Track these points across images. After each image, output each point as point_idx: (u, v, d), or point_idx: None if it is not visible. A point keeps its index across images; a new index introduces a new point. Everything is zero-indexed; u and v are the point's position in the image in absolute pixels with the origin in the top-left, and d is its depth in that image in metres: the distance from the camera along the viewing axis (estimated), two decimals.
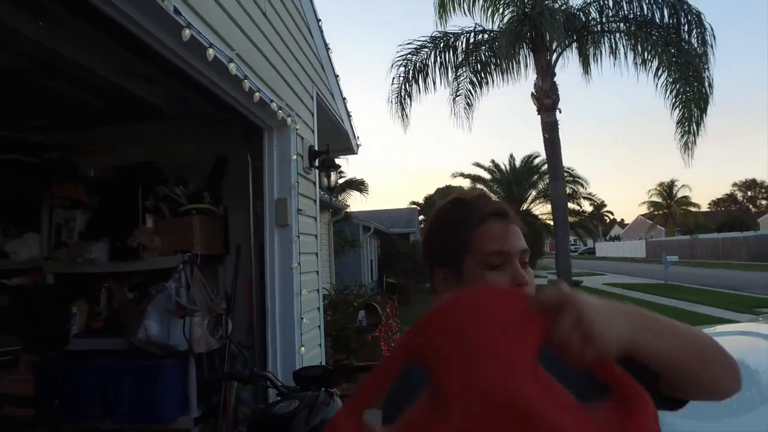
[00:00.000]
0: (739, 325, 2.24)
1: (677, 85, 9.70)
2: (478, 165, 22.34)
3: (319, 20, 4.34)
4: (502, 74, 11.48)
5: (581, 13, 11.41)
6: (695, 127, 9.58)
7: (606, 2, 11.29)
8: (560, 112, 11.00)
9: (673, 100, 9.68)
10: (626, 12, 11.08)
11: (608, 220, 72.97)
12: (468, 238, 0.87)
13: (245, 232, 3.53)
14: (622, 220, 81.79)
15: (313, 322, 3.64)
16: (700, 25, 9.99)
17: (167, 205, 3.29)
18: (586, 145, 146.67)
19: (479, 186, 20.18)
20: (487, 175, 21.46)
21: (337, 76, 4.95)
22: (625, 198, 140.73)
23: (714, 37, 9.86)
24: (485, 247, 0.86)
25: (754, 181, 77.90)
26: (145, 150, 3.66)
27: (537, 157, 20.65)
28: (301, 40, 3.84)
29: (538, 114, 11.17)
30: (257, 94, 2.76)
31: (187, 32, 2.00)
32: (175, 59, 2.23)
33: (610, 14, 11.24)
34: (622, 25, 11.21)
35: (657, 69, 9.93)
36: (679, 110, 9.65)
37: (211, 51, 2.21)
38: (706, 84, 9.80)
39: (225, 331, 2.80)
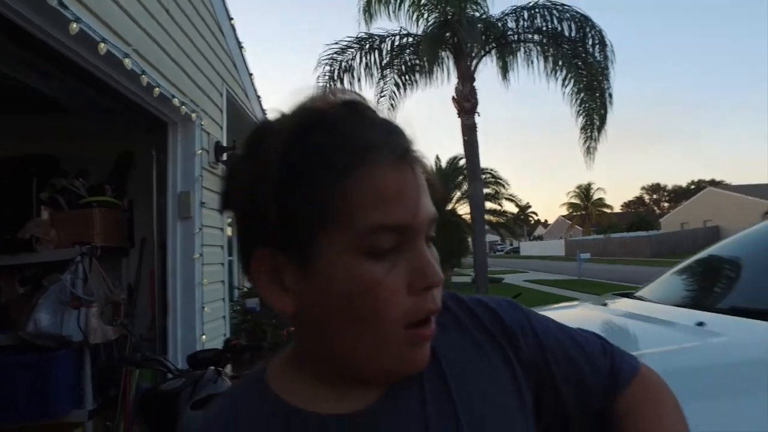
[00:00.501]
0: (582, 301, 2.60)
1: (582, 95, 10.52)
2: None
3: (232, 19, 4.41)
4: (426, 77, 11.89)
5: (500, 23, 12.06)
6: (596, 134, 10.45)
7: (522, 14, 11.99)
8: (479, 115, 11.55)
9: (578, 108, 10.51)
10: (539, 24, 11.83)
11: (533, 221, 76.87)
12: (328, 197, 0.46)
13: (151, 225, 3.56)
14: (546, 220, 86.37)
15: (216, 312, 3.72)
16: (602, 41, 10.87)
17: (66, 197, 3.26)
18: (514, 148, 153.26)
19: None
20: None
21: (251, 74, 5.03)
22: (549, 199, 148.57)
23: (614, 53, 10.78)
24: (366, 217, 0.46)
25: (658, 185, 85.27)
26: (44, 142, 3.59)
27: (463, 158, 21.46)
28: (210, 38, 3.91)
29: (459, 117, 11.68)
30: (157, 89, 2.82)
31: (74, 26, 2.06)
32: (68, 52, 2.27)
33: (526, 25, 11.96)
34: (536, 36, 11.96)
35: (564, 79, 10.70)
36: (583, 118, 10.49)
37: (103, 45, 2.27)
38: (607, 95, 10.69)
39: (122, 320, 2.83)
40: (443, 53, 11.66)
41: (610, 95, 10.69)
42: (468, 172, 11.80)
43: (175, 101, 3.06)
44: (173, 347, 3.20)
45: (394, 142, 0.48)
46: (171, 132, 3.39)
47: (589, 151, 10.49)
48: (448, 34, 11.40)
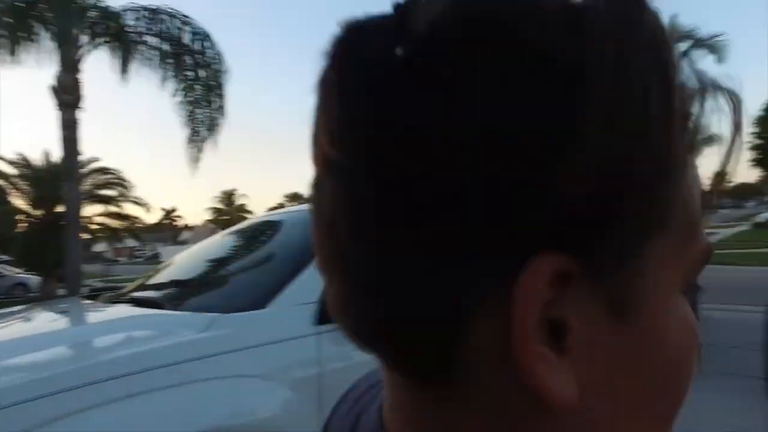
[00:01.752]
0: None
1: (192, 107, 10.98)
2: None
3: None
4: (13, 56, 10.19)
5: (119, 17, 11.41)
6: (203, 145, 11.07)
7: (143, 13, 11.68)
8: (84, 110, 10.63)
9: (186, 119, 10.92)
10: (161, 29, 11.75)
11: (178, 226, 74.76)
12: (676, 158, 0.23)
13: None
14: (194, 225, 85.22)
15: None
16: (221, 59, 11.64)
17: None
18: (160, 148, 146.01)
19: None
20: (12, 170, 17.88)
21: None
22: (199, 204, 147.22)
23: (228, 72, 11.64)
24: (701, 222, 0.26)
25: (297, 193, 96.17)
26: None
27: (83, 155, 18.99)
28: None
29: (59, 110, 10.46)
30: None
31: None
32: None
33: (147, 27, 11.66)
34: (157, 39, 11.81)
35: (177, 89, 10.95)
36: (190, 129, 10.96)
37: None
38: (220, 110, 11.46)
39: None
40: (40, 34, 10.28)
41: (222, 107, 11.43)
42: (63, 172, 10.65)
43: None
44: None
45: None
46: None
47: (195, 160, 11.06)
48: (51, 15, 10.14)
